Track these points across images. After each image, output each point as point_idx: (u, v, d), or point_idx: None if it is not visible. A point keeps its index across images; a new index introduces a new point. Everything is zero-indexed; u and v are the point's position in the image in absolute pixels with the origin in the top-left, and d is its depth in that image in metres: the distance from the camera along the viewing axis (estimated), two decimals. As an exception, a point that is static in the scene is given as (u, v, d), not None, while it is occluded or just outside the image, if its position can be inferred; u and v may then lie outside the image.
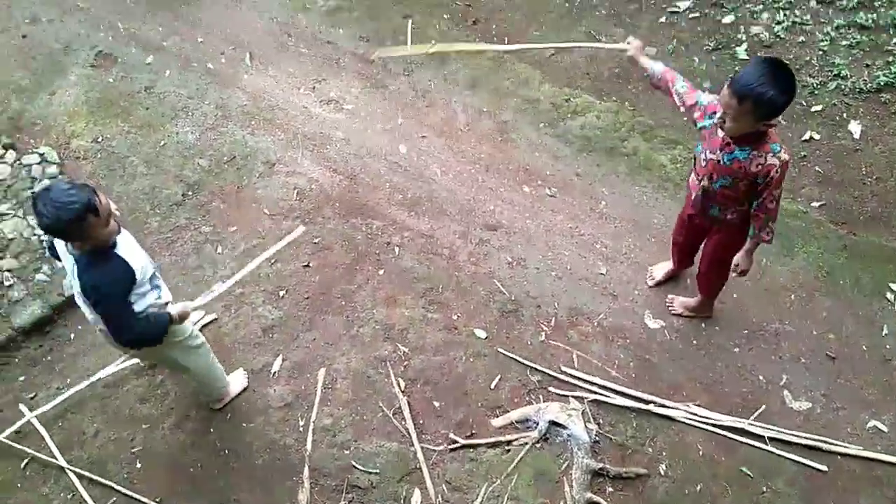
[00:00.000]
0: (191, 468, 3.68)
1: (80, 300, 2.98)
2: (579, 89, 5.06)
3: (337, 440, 3.74)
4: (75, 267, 2.81)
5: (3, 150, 4.79)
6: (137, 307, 2.94)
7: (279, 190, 4.66)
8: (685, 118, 3.41)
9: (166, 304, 3.12)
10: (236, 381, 3.87)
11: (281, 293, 4.23)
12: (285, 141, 4.90)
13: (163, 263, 4.38)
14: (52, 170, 4.76)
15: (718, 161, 3.04)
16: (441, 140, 4.88)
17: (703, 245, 3.70)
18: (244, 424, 3.78)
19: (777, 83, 2.64)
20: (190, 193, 4.69)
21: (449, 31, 5.41)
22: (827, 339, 3.94)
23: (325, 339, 4.08)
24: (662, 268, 4.16)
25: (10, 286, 4.20)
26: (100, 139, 4.96)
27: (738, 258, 3.34)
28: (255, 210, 4.58)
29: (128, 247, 2.92)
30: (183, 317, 3.12)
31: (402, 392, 3.87)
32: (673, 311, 4.04)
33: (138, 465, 3.70)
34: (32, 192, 4.57)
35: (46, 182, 4.65)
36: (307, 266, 4.34)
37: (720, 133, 2.96)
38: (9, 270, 4.26)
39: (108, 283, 2.79)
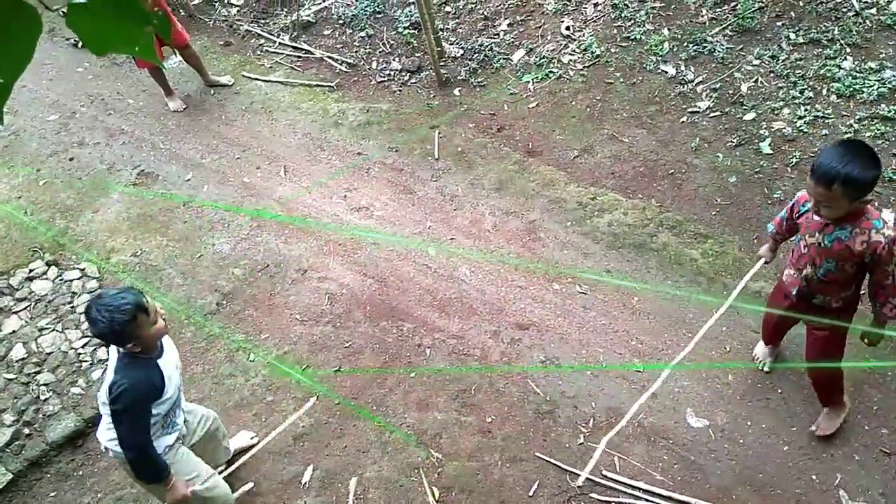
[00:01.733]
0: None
1: (101, 400, 3.01)
2: (605, 188, 5.12)
3: (369, 554, 3.58)
4: (115, 363, 2.91)
5: (46, 267, 4.97)
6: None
7: (311, 295, 4.71)
8: (788, 228, 3.44)
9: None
10: None
11: (311, 399, 4.18)
12: (317, 248, 5.01)
13: (196, 373, 4.40)
14: (92, 284, 4.90)
15: (819, 244, 3.01)
16: (470, 241, 4.93)
17: (806, 353, 3.55)
18: (273, 538, 3.65)
19: (858, 160, 2.66)
20: (224, 302, 4.77)
21: (475, 139, 5.59)
22: (880, 433, 3.72)
23: (356, 447, 3.99)
24: (765, 351, 4.03)
25: (46, 400, 4.24)
26: (139, 253, 5.13)
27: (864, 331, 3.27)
28: (287, 316, 4.62)
29: (168, 362, 3.02)
30: (178, 491, 3.10)
31: (437, 501, 3.72)
32: (823, 434, 3.71)
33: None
34: (71, 305, 4.71)
35: (87, 296, 4.78)
36: (338, 370, 4.31)
37: (816, 217, 2.96)
38: (45, 384, 4.30)
39: (135, 382, 2.85)
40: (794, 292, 3.29)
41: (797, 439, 3.76)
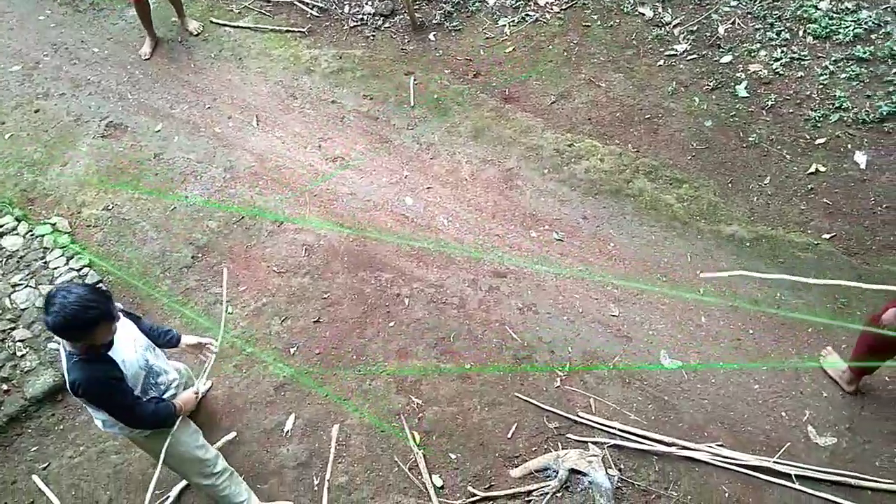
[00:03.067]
0: (205, 534, 3.61)
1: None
2: (582, 134, 5.10)
3: (353, 498, 3.66)
4: (65, 363, 2.79)
5: (16, 223, 4.87)
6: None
7: (287, 247, 4.69)
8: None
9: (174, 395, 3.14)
10: None
11: (292, 350, 4.21)
12: (293, 199, 4.96)
13: (174, 326, 4.38)
14: (64, 239, 4.82)
15: None
16: (447, 190, 4.91)
17: None
18: (258, 486, 3.70)
19: None
20: (200, 255, 4.73)
21: (451, 86, 5.51)
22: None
23: (337, 395, 4.03)
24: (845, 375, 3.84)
25: (23, 356, 4.21)
26: (110, 207, 5.04)
27: None
28: (264, 269, 4.60)
29: (122, 347, 2.88)
30: (188, 404, 3.14)
31: (418, 446, 3.79)
32: None
33: (152, 533, 3.62)
34: (44, 261, 4.64)
35: (59, 252, 4.71)
36: (317, 321, 4.33)
37: None
38: (21, 341, 4.27)
39: (91, 380, 2.74)
40: None
41: (767, 378, 3.86)
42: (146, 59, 6.02)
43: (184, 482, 3.71)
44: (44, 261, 4.69)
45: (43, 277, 4.61)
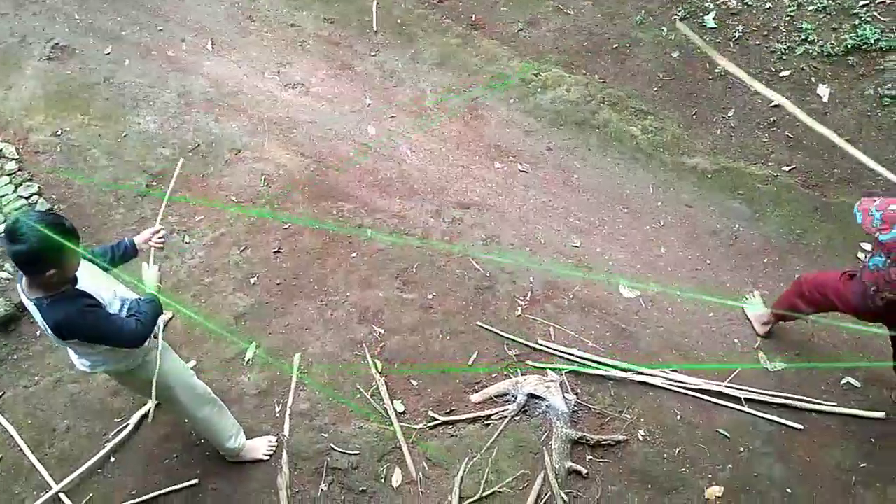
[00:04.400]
0: (166, 459, 3.61)
1: (58, 344, 2.77)
2: (549, 63, 5.01)
3: (315, 424, 3.69)
4: (38, 312, 2.61)
5: (-40, 148, 4.66)
6: None
7: (246, 176, 4.58)
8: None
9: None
10: (255, 448, 3.58)
11: (252, 280, 4.16)
12: (251, 126, 4.81)
13: (130, 255, 4.29)
14: (11, 165, 4.64)
15: None
16: (410, 120, 4.81)
17: None
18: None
19: None
20: (154, 183, 4.59)
21: (415, 10, 5.34)
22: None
23: (299, 325, 4.02)
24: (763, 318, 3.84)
25: (-28, 285, 4.09)
26: (59, 132, 4.84)
27: None
28: (222, 198, 4.49)
29: (90, 278, 2.75)
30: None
31: (379, 373, 3.82)
32: None
33: (112, 460, 3.62)
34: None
35: (6, 178, 4.53)
36: (278, 252, 4.27)
37: None
38: (-30, 269, 4.15)
39: (76, 315, 2.58)
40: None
41: (721, 306, 3.94)
42: None
43: (143, 409, 3.69)
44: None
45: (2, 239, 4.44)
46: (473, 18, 5.27)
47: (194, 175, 4.62)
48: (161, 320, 3.15)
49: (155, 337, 2.96)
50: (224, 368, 3.87)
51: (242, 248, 4.28)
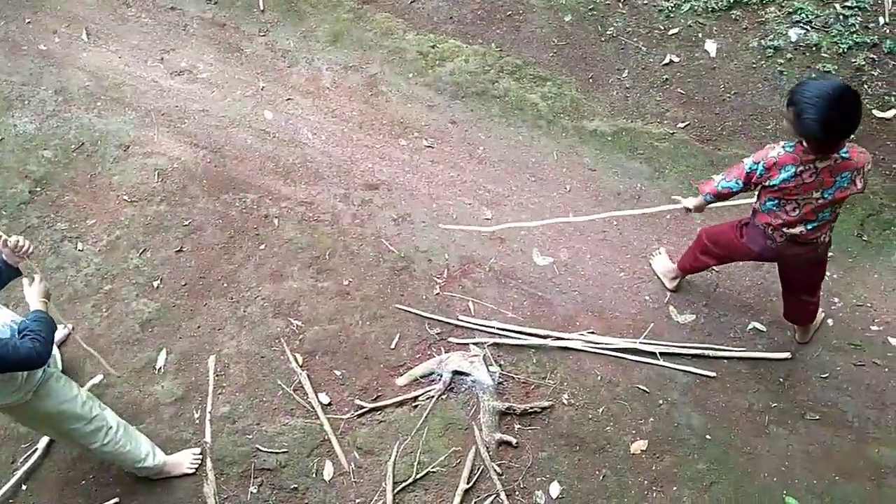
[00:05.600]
0: (82, 481, 3.44)
1: None
2: (444, 34, 4.94)
3: (238, 426, 3.58)
4: None
5: None
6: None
7: (138, 173, 4.33)
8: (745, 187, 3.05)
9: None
10: (178, 464, 3.41)
11: (155, 283, 3.96)
12: (138, 120, 4.54)
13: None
14: None
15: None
16: (308, 101, 4.66)
17: (806, 286, 3.45)
18: (134, 427, 3.54)
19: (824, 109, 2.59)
20: (38, 189, 4.29)
21: (302, -13, 5.14)
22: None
23: (210, 325, 3.87)
24: (670, 273, 3.92)
25: None
26: (-77, 141, 4.43)
27: None
28: (114, 198, 4.24)
29: None
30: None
31: (301, 366, 3.74)
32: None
33: (24, 488, 3.42)
34: None
35: None
36: (180, 251, 4.08)
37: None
38: None
39: None
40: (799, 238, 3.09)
41: (631, 265, 4.06)
42: None
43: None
44: None
45: None
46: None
47: (80, 176, 4.34)
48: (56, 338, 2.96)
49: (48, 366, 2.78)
50: (135, 379, 3.70)
51: (142, 251, 4.07)
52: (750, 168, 2.97)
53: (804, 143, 2.84)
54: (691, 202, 3.29)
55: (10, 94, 4.67)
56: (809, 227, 3.03)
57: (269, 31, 4.95)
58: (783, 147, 2.90)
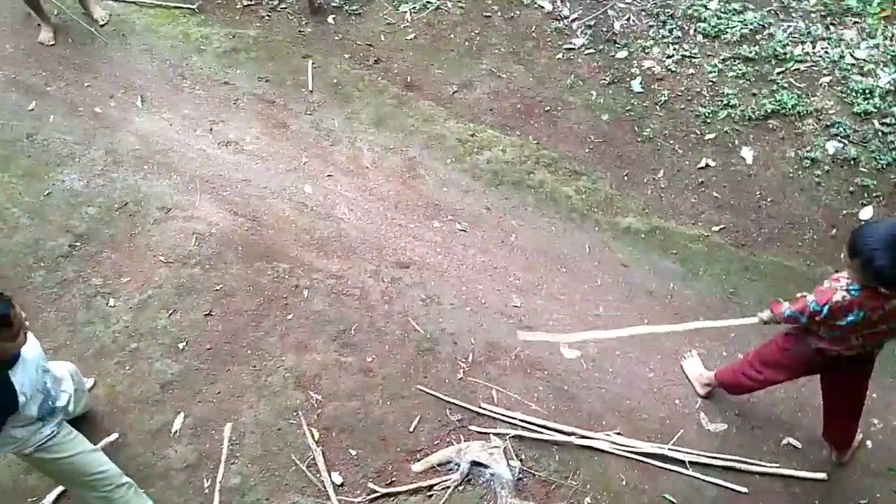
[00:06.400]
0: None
1: None
2: (484, 125, 5.08)
3: (247, 500, 3.49)
4: None
5: None
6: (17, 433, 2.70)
7: (176, 236, 4.41)
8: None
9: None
10: None
11: (180, 345, 3.96)
12: (181, 185, 4.67)
13: (48, 320, 4.05)
14: (-82, 225, 4.34)
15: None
16: (348, 178, 4.77)
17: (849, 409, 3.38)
18: (143, 491, 3.46)
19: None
20: (78, 244, 4.38)
21: (351, 71, 5.35)
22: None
23: (230, 392, 3.83)
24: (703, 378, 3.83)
25: None
26: (-25, 190, 4.59)
27: None
28: (150, 258, 4.30)
29: (27, 368, 2.63)
30: None
31: (316, 443, 3.66)
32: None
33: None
34: None
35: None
36: (209, 315, 4.09)
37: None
38: None
39: None
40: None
41: (662, 366, 3.98)
42: (51, 45, 5.42)
43: (59, 488, 3.41)
44: None
45: None
46: (409, 80, 5.31)
47: (121, 234, 4.42)
48: (67, 394, 2.96)
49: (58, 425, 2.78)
50: (149, 441, 3.64)
51: (171, 312, 4.09)
52: (813, 309, 2.85)
53: (870, 287, 2.73)
54: (765, 315, 3.19)
55: (62, 152, 4.84)
56: (869, 348, 2.96)
57: (315, 110, 5.13)
58: (848, 291, 2.77)
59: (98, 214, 4.51)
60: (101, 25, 5.53)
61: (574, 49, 5.42)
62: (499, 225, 4.57)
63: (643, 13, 5.52)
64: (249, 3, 5.76)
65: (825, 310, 2.81)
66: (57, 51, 5.38)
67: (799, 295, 2.97)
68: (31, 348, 2.73)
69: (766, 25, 5.32)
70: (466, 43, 5.49)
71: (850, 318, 2.78)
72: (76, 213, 4.51)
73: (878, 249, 2.54)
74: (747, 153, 4.83)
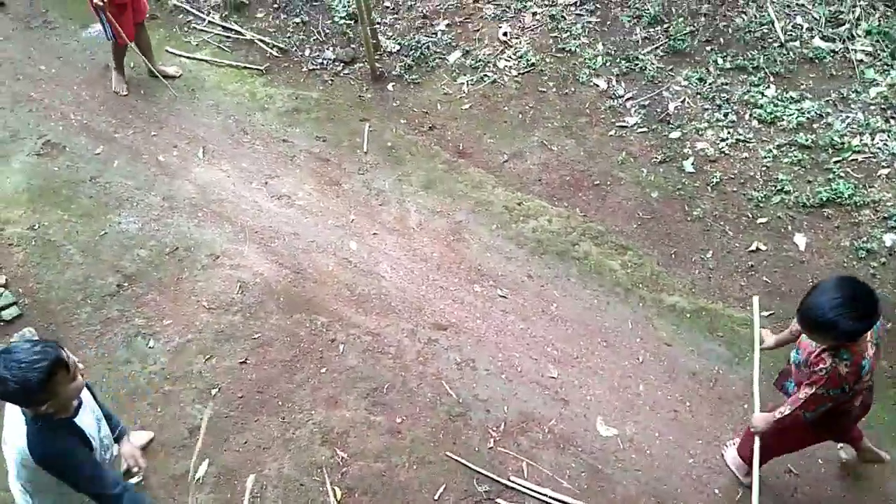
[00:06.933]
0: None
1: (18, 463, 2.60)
2: (532, 194, 5.10)
3: (263, 556, 3.39)
4: (24, 427, 2.49)
5: (-71, 234, 4.56)
6: None
7: (221, 283, 4.49)
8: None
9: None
10: None
11: (213, 391, 3.97)
12: (232, 234, 4.78)
13: (88, 357, 4.11)
14: (-19, 256, 4.52)
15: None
16: (393, 238, 4.81)
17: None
18: (159, 537, 3.41)
19: (853, 309, 2.61)
20: (126, 284, 4.49)
21: (405, 136, 5.48)
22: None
23: (257, 443, 3.80)
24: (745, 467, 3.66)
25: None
26: (36, 227, 4.78)
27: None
28: (194, 303, 4.37)
29: (86, 415, 2.67)
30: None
31: (339, 502, 3.57)
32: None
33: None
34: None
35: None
36: (244, 363, 4.11)
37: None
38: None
39: (59, 452, 2.48)
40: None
41: (702, 452, 3.80)
42: (125, 95, 5.73)
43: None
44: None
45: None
46: (461, 147, 5.41)
47: (168, 278, 4.52)
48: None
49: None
50: (171, 486, 3.61)
51: (208, 357, 4.12)
52: (835, 394, 2.86)
53: (852, 345, 2.79)
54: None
55: (122, 195, 5.03)
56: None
57: (368, 170, 5.24)
58: (840, 358, 2.79)
59: (149, 257, 4.63)
60: (174, 79, 5.82)
61: (627, 127, 5.46)
62: (540, 294, 4.52)
63: (699, 96, 5.55)
64: (314, 67, 6.01)
65: (846, 387, 2.83)
66: (129, 101, 5.68)
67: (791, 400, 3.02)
68: (86, 395, 2.74)
69: (823, 115, 5.28)
70: (520, 115, 5.59)
71: (865, 368, 2.82)
72: (128, 255, 4.65)
73: (837, 316, 2.60)
74: (800, 239, 4.72)
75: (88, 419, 2.66)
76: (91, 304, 4.37)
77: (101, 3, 4.96)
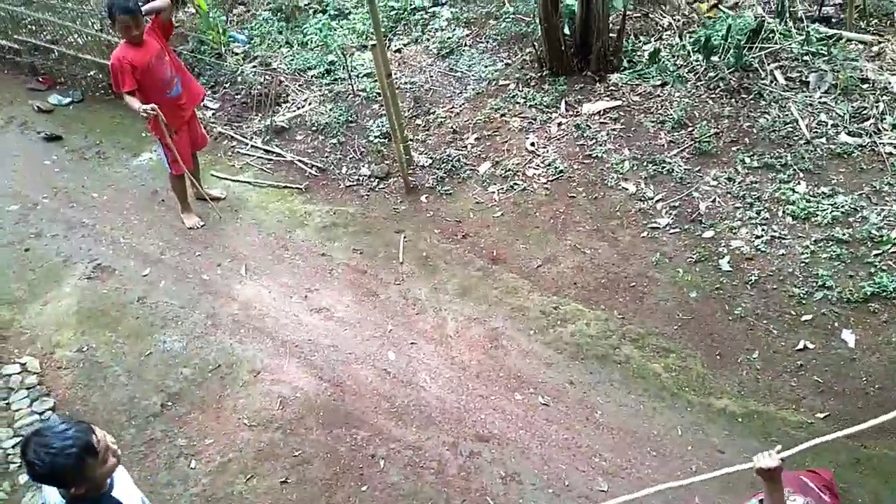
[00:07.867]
0: None
1: None
2: (568, 298, 5.10)
3: None
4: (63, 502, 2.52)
5: (-16, 360, 4.72)
6: None
7: (262, 399, 4.51)
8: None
9: None
10: None
11: (252, 514, 3.91)
12: (272, 349, 4.84)
13: (132, 479, 4.09)
14: (32, 379, 4.67)
15: None
16: (431, 347, 4.82)
17: None
18: None
19: None
20: (170, 404, 4.53)
21: (439, 245, 5.60)
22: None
23: (298, 567, 3.69)
24: None
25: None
26: (85, 349, 4.91)
27: None
28: (235, 421, 4.38)
29: (124, 488, 2.68)
30: None
31: None
32: None
33: None
34: (6, 402, 4.44)
35: (24, 392, 4.53)
36: (285, 482, 4.06)
37: None
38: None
39: None
40: None
41: (766, 568, 3.56)
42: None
43: None
44: (6, 402, 4.49)
45: (1, 420, 4.40)
46: (494, 254, 5.49)
47: (210, 396, 4.56)
48: None
49: None
50: None
51: (249, 477, 4.08)
52: None
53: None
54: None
55: (167, 315, 5.17)
56: None
57: (404, 280, 5.33)
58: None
59: (192, 375, 4.70)
60: (219, 200, 6.07)
61: (659, 228, 5.49)
62: (583, 401, 4.43)
63: (728, 195, 5.59)
64: (351, 184, 6.25)
65: None
66: (176, 223, 5.93)
67: None
68: (125, 476, 2.73)
69: (858, 209, 5.26)
70: (551, 220, 5.68)
71: None
72: (172, 374, 4.72)
73: None
74: (849, 336, 4.59)
75: (128, 495, 2.63)
76: (135, 425, 4.41)
77: (161, 128, 5.11)
